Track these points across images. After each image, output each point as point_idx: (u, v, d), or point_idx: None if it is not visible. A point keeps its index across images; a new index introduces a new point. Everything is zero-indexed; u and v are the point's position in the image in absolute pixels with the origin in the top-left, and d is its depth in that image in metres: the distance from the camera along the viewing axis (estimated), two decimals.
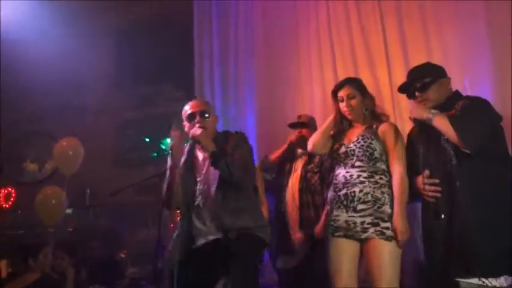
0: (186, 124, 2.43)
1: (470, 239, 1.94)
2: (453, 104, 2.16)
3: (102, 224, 4.93)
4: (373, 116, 2.48)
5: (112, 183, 4.55)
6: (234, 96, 4.71)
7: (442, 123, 2.08)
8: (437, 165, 2.12)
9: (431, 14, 3.96)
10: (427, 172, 2.13)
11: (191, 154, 2.44)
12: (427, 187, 2.12)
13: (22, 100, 5.88)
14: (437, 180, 2.10)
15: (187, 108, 2.42)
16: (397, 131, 2.38)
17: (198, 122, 2.33)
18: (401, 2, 4.09)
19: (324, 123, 2.57)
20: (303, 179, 3.07)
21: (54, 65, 5.46)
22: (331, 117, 2.55)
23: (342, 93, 2.47)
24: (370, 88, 3.89)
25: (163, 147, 4.61)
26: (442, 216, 2.04)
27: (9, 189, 5.48)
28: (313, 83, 4.32)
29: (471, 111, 2.07)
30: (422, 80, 2.23)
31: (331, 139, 2.53)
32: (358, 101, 2.45)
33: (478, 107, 2.12)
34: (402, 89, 2.35)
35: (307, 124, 3.24)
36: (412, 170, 2.26)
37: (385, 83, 3.95)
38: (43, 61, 5.44)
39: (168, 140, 2.51)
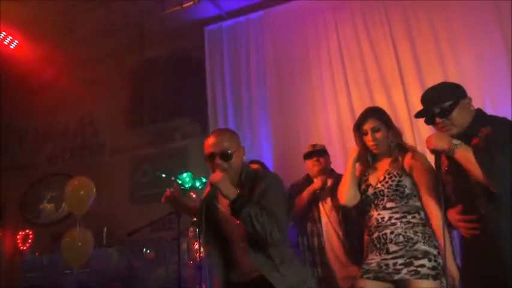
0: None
1: None
2: (477, 129, 1.86)
3: (120, 263, 4.83)
4: (400, 148, 2.33)
5: (129, 220, 4.50)
6: (249, 126, 4.67)
7: (465, 158, 1.78)
8: (467, 199, 1.87)
9: (444, 33, 3.93)
10: (460, 207, 1.89)
11: (212, 203, 2.05)
12: (462, 224, 1.87)
13: (40, 142, 5.97)
14: (473, 217, 1.82)
15: (207, 145, 2.02)
16: (424, 162, 2.22)
17: (218, 165, 1.96)
18: (411, 24, 4.07)
19: (346, 172, 2.37)
20: (339, 214, 2.89)
21: (71, 106, 5.57)
22: (349, 163, 2.37)
23: (366, 127, 2.32)
24: (387, 112, 3.88)
25: (180, 182, 4.58)
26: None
27: (27, 231, 5.47)
28: (328, 109, 4.26)
29: (498, 143, 1.74)
30: (441, 104, 1.93)
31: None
32: (384, 133, 2.30)
33: (505, 135, 1.77)
34: (420, 114, 2.05)
35: (323, 152, 3.09)
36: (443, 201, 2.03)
37: (401, 106, 3.87)
38: (59, 102, 5.56)
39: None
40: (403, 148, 2.33)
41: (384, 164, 2.32)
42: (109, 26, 4.95)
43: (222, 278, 2.05)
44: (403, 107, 3.85)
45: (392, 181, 2.23)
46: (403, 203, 2.20)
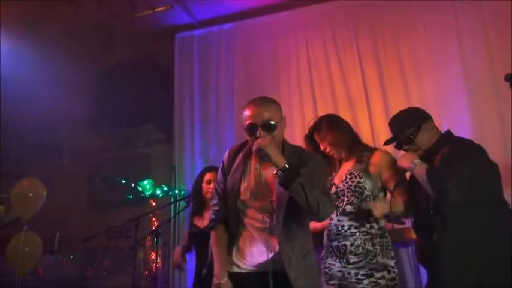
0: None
1: None
2: (440, 148, 2.10)
3: (71, 271, 4.63)
4: (357, 144, 2.39)
5: (84, 225, 4.33)
6: (215, 136, 4.64)
7: (419, 175, 2.04)
8: (424, 213, 2.08)
9: (408, 58, 4.11)
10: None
11: (244, 170, 1.91)
12: None
13: None
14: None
15: (247, 115, 1.84)
16: (391, 160, 2.29)
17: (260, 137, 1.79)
18: (379, 47, 4.22)
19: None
20: None
21: (31, 106, 5.32)
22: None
23: (316, 138, 2.44)
24: None
25: (140, 189, 4.47)
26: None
27: None
28: (294, 123, 4.31)
29: (450, 162, 1.98)
30: (405, 132, 2.17)
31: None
32: (330, 140, 2.38)
33: (459, 156, 2.00)
34: (388, 142, 2.26)
35: None
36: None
37: (365, 125, 3.99)
38: (19, 102, 5.30)
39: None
40: (364, 146, 2.41)
41: (349, 164, 2.37)
42: (77, 25, 4.81)
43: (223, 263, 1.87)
44: (367, 126, 3.97)
45: (352, 181, 2.29)
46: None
